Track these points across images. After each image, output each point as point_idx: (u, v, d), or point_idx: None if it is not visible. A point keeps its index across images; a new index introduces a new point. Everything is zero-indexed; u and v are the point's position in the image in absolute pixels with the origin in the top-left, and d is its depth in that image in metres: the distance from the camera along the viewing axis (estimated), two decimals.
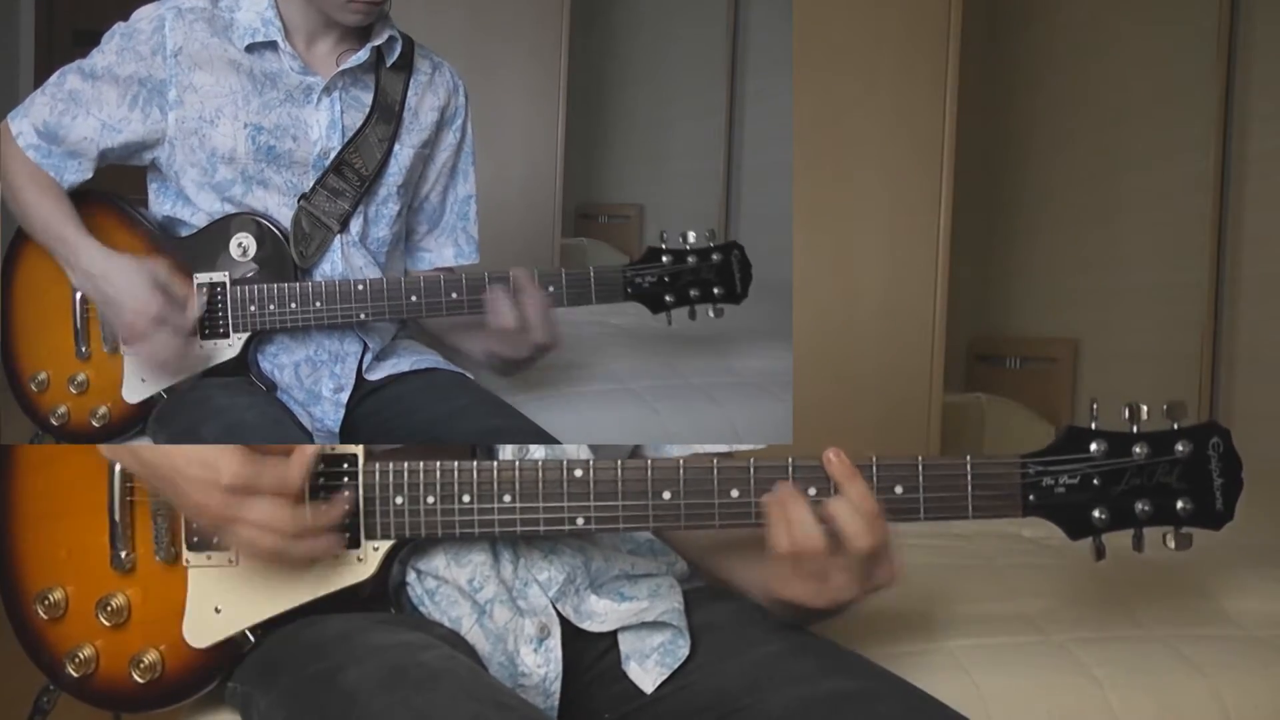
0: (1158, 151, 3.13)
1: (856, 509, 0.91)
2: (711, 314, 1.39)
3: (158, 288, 1.23)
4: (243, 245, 1.29)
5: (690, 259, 1.37)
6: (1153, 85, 3.16)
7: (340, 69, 1.31)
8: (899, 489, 0.95)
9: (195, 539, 0.98)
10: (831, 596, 0.93)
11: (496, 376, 1.44)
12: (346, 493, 0.95)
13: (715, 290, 1.38)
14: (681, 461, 0.95)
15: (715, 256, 1.37)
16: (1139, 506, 0.95)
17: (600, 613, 1.04)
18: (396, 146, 1.36)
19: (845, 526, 0.91)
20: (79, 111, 1.27)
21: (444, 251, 1.48)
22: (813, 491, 0.93)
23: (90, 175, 1.30)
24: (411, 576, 1.03)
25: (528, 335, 1.30)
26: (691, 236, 1.37)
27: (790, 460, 0.94)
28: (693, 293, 1.38)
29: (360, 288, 1.30)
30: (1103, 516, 0.95)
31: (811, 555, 0.91)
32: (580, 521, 0.95)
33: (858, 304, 2.74)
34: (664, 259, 1.37)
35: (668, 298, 1.38)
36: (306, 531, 0.92)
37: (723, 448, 1.17)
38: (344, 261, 1.33)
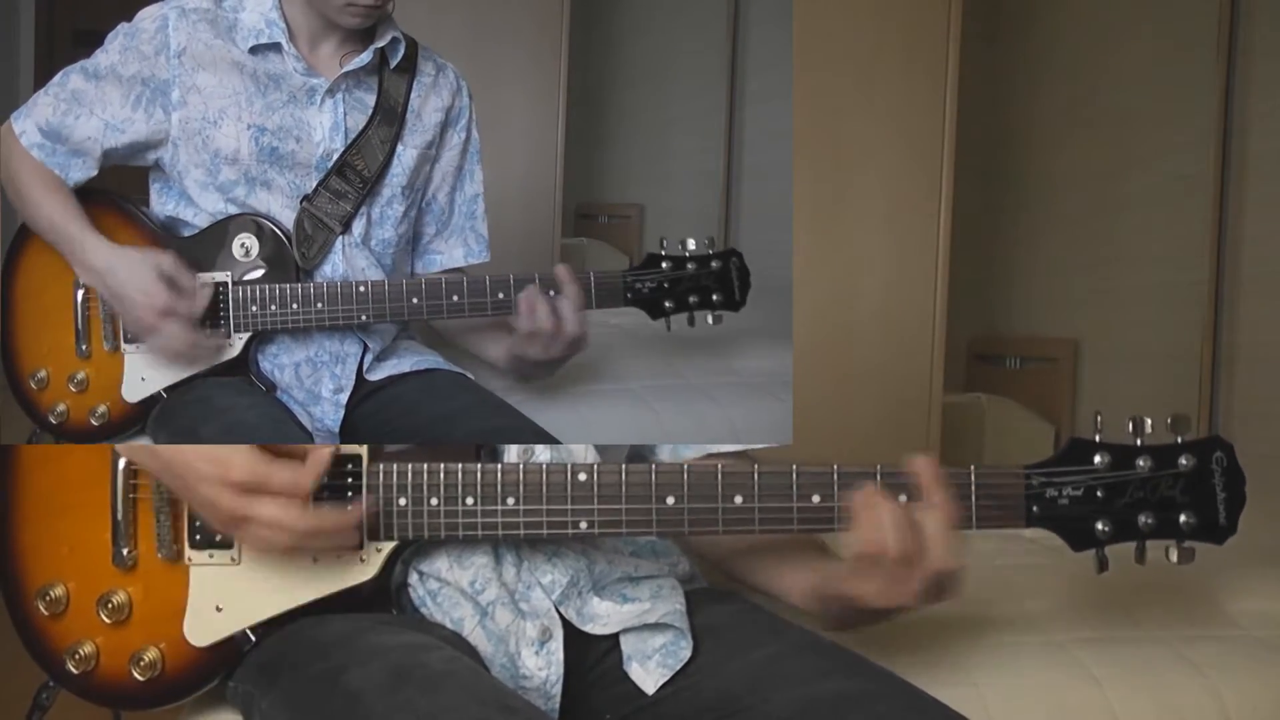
0: (1158, 151, 3.13)
1: (946, 525, 0.91)
2: (710, 320, 1.40)
3: (163, 279, 1.23)
4: (245, 246, 1.29)
5: (690, 266, 1.38)
6: (1153, 85, 3.16)
7: (343, 70, 1.31)
8: (903, 498, 0.94)
9: (198, 536, 0.98)
10: (901, 600, 0.93)
11: (517, 381, 1.44)
12: (364, 496, 0.95)
13: (714, 297, 1.39)
14: (686, 466, 0.95)
15: (715, 264, 1.39)
16: (1142, 519, 0.95)
17: (603, 615, 1.04)
18: (399, 148, 1.36)
19: (933, 544, 0.90)
20: (82, 111, 1.27)
21: (454, 252, 1.48)
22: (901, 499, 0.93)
23: (95, 173, 1.30)
24: (414, 578, 1.03)
25: (562, 334, 1.30)
26: (691, 244, 1.38)
27: (794, 466, 0.94)
28: (692, 299, 1.39)
29: (362, 289, 1.30)
30: (1106, 529, 0.95)
31: (901, 559, 0.91)
32: (583, 525, 0.95)
33: (858, 304, 2.74)
34: (664, 265, 1.38)
35: (667, 304, 1.39)
36: (318, 532, 0.92)
37: (735, 448, 1.17)
38: (346, 263, 1.33)
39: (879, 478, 0.94)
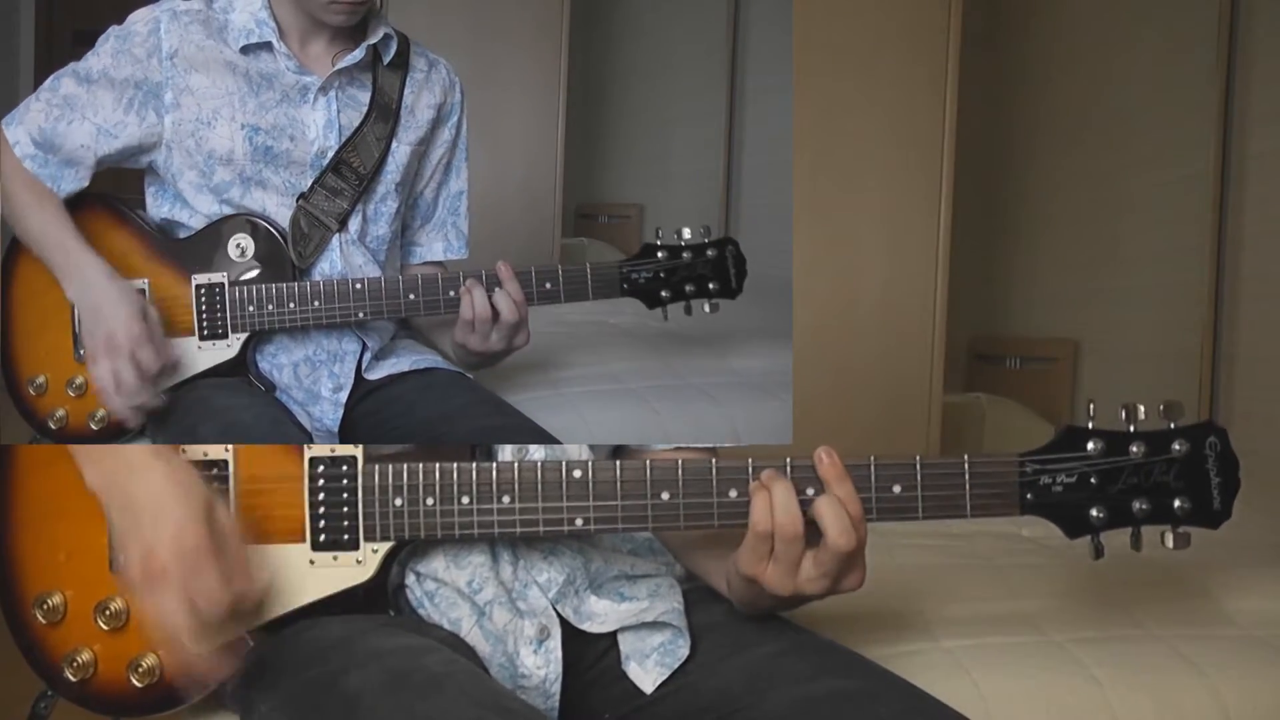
0: (1158, 152, 3.12)
1: (842, 510, 0.91)
2: (707, 309, 1.40)
3: (147, 322, 1.23)
4: (241, 246, 1.29)
5: (685, 254, 1.38)
6: (1153, 86, 3.15)
7: (336, 68, 1.31)
8: (897, 488, 0.95)
9: None
10: (796, 587, 0.93)
11: (468, 370, 1.45)
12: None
13: (710, 285, 1.39)
14: (680, 462, 0.95)
15: (710, 252, 1.38)
16: (1136, 505, 0.95)
17: (600, 613, 1.04)
18: (394, 144, 1.36)
19: (829, 525, 0.91)
20: (75, 117, 1.27)
21: (434, 246, 1.49)
22: (810, 491, 0.93)
23: (86, 183, 1.30)
24: (410, 579, 1.03)
25: (499, 324, 1.31)
26: (687, 233, 1.38)
27: (789, 460, 0.94)
28: (688, 288, 1.39)
29: (358, 287, 1.30)
30: (1100, 515, 0.95)
31: (789, 539, 0.91)
32: (579, 522, 0.95)
33: (858, 304, 2.74)
34: (659, 255, 1.38)
35: (663, 293, 1.38)
36: (215, 637, 0.88)
37: (703, 447, 1.17)
38: (343, 260, 1.33)
39: (789, 472, 0.94)
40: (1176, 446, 0.95)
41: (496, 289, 1.32)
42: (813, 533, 0.92)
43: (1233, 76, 2.88)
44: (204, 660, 0.89)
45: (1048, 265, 3.66)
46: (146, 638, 0.99)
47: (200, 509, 0.88)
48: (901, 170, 2.74)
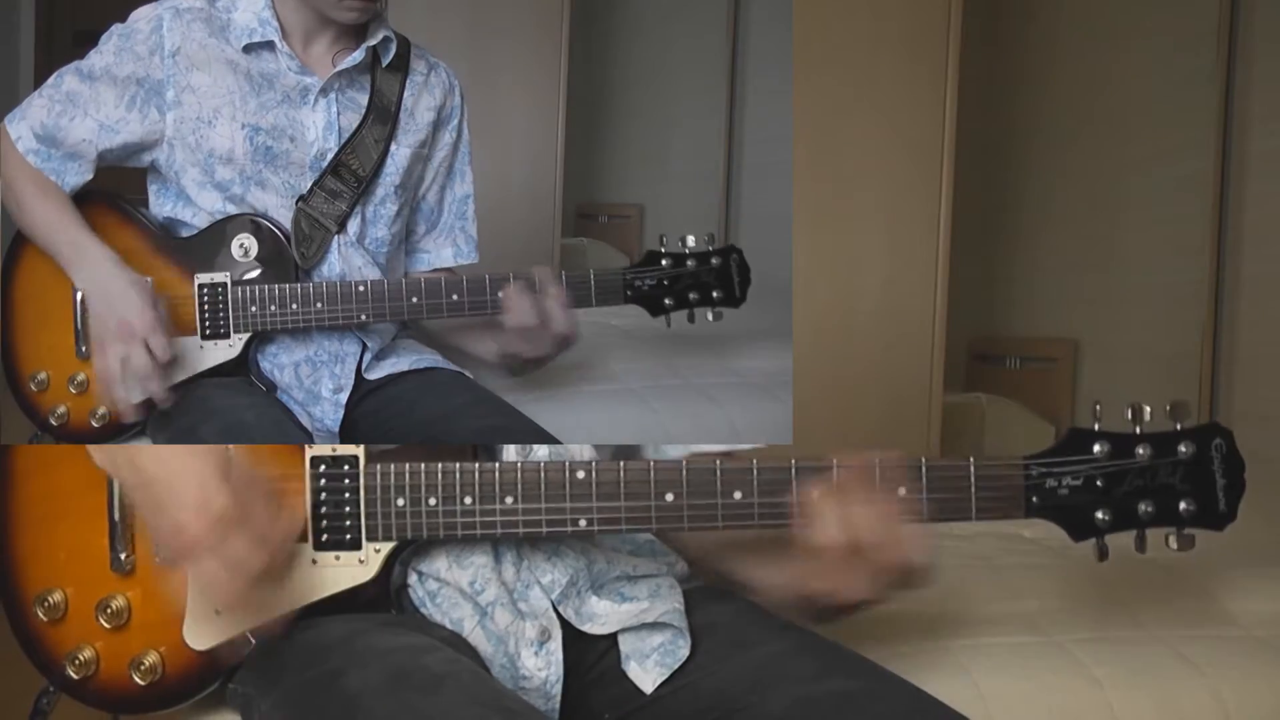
0: (1158, 152, 3.13)
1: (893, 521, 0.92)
2: (710, 317, 1.40)
3: (155, 309, 1.23)
4: (244, 246, 1.29)
5: (689, 262, 1.38)
6: (1153, 85, 3.15)
7: (336, 70, 1.31)
8: (903, 490, 0.95)
9: None
10: (868, 591, 0.93)
11: (508, 377, 1.45)
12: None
13: (714, 294, 1.39)
14: (685, 462, 0.95)
15: (714, 260, 1.38)
16: (1142, 507, 0.95)
17: (601, 614, 1.04)
18: (393, 147, 1.36)
19: (882, 538, 0.91)
20: (77, 113, 1.27)
21: (442, 252, 1.48)
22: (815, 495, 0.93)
23: (91, 176, 1.30)
24: (413, 578, 1.03)
25: (549, 331, 1.31)
26: (691, 240, 1.38)
27: (793, 461, 0.94)
28: (692, 296, 1.39)
29: (361, 289, 1.30)
30: (1105, 518, 0.95)
31: (870, 547, 0.91)
32: (583, 523, 0.95)
33: (858, 304, 2.74)
34: (663, 262, 1.38)
35: (667, 301, 1.38)
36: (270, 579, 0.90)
37: (722, 447, 1.17)
38: (342, 262, 1.33)
39: (793, 474, 0.94)
40: (1182, 448, 0.95)
41: (543, 295, 1.30)
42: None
43: (1233, 76, 2.88)
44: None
45: (1048, 265, 3.65)
46: (147, 637, 0.99)
47: (217, 473, 0.88)
48: (901, 170, 2.73)
